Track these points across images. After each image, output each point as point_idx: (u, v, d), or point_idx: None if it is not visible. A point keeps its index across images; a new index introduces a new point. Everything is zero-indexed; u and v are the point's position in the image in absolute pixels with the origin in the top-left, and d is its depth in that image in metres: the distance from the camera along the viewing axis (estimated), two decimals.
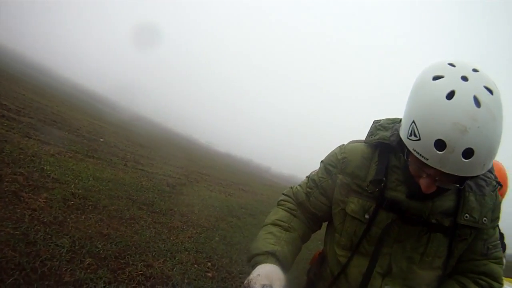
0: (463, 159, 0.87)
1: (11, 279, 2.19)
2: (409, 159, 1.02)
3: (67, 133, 8.57)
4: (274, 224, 1.28)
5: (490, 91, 0.87)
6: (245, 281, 1.05)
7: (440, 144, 0.87)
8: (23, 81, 17.00)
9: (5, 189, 3.49)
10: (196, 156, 23.18)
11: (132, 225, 4.44)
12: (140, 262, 3.36)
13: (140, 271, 3.17)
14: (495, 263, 1.21)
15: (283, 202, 1.38)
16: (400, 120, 1.18)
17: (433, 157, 0.90)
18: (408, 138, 0.95)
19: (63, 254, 2.84)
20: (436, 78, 0.91)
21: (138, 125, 28.71)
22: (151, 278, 3.13)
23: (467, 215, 1.12)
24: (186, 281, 3.32)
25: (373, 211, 1.14)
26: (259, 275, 1.05)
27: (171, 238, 4.55)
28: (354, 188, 1.19)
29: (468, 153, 0.86)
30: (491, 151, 0.89)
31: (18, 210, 3.18)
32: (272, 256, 1.14)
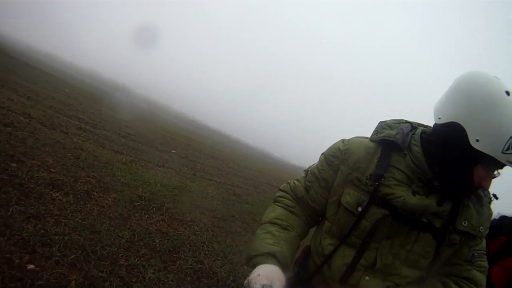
0: None
1: (73, 255, 2.70)
2: (479, 168, 1.11)
3: (140, 144, 9.59)
4: (272, 222, 1.31)
5: None
6: (245, 281, 1.09)
7: None
8: (99, 97, 19.30)
9: (79, 188, 4.18)
10: (268, 169, 23.66)
11: (192, 226, 4.87)
12: (192, 258, 3.73)
13: (190, 265, 3.54)
14: (479, 271, 1.26)
15: (280, 199, 1.40)
16: (406, 121, 1.31)
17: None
18: (503, 152, 1.04)
19: (123, 243, 3.33)
20: (508, 93, 1.04)
21: (209, 137, 30.32)
22: (199, 272, 3.47)
23: (465, 221, 1.19)
24: (231, 278, 3.59)
25: (366, 205, 1.19)
26: (259, 275, 1.09)
27: (227, 241, 4.88)
28: (352, 180, 1.23)
29: None
30: None
31: (88, 206, 3.81)
32: (271, 257, 1.18)
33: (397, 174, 1.19)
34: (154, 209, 4.85)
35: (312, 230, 1.44)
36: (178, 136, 17.32)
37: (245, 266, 4.13)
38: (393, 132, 1.24)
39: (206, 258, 3.92)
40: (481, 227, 1.22)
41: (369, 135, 1.32)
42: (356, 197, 1.21)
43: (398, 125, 1.27)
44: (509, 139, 1.01)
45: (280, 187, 1.45)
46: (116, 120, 12.04)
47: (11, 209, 2.95)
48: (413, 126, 1.28)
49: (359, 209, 1.20)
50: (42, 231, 2.84)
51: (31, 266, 2.29)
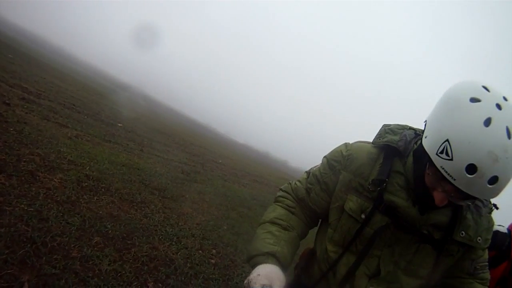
0: (488, 185, 0.92)
1: (22, 251, 2.40)
2: (427, 171, 1.05)
3: (86, 117, 8.90)
4: (272, 222, 1.29)
5: None
6: (245, 281, 1.08)
7: (471, 169, 0.91)
8: (44, 64, 17.65)
9: (22, 168, 3.73)
10: (213, 145, 23.48)
11: (142, 208, 4.64)
12: (146, 244, 3.55)
13: (145, 253, 3.36)
14: (481, 283, 1.25)
15: (281, 199, 1.39)
16: (410, 127, 1.26)
17: (461, 179, 0.94)
18: (437, 154, 0.97)
19: (73, 231, 3.05)
20: (473, 100, 0.94)
21: (158, 113, 29.28)
22: (155, 260, 3.32)
23: (463, 232, 1.16)
24: (188, 265, 3.48)
25: (370, 212, 1.16)
26: (259, 275, 1.07)
27: (180, 223, 4.73)
28: (355, 186, 1.21)
29: (493, 180, 0.92)
30: (510, 180, 0.96)
31: (34, 189, 3.42)
32: (272, 257, 1.16)
33: (399, 180, 1.17)
34: (103, 189, 4.54)
35: (311, 230, 1.42)
36: (125, 109, 16.42)
37: (200, 251, 4.05)
38: (396, 138, 1.20)
39: (161, 243, 3.76)
40: (479, 238, 1.18)
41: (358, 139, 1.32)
42: (359, 203, 1.19)
43: (401, 131, 1.23)
44: (444, 142, 0.95)
45: (281, 187, 1.43)
46: (61, 89, 11.01)
47: None
48: (417, 133, 1.24)
49: (363, 216, 1.18)
50: None
51: None
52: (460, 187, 0.95)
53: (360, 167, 1.21)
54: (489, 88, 0.96)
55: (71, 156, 5.01)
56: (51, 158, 4.49)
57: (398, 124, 1.27)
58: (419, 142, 1.16)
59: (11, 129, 4.73)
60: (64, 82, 13.91)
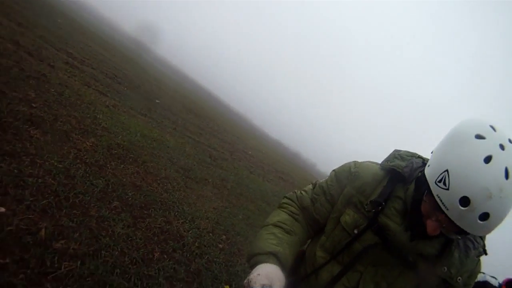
0: (478, 220, 0.96)
1: (45, 201, 2.61)
2: (424, 199, 1.09)
3: (125, 88, 9.29)
4: (276, 225, 1.33)
5: None
6: (245, 281, 1.09)
7: (465, 201, 0.95)
8: (91, 32, 18.41)
9: (58, 127, 4.01)
10: (246, 136, 23.70)
11: (165, 184, 4.83)
12: (161, 217, 3.72)
13: (159, 225, 3.53)
14: None
15: (285, 205, 1.42)
16: (419, 156, 1.29)
17: (454, 210, 0.98)
18: (436, 183, 1.02)
19: (96, 192, 3.26)
20: (478, 137, 0.98)
21: (198, 95, 29.84)
22: (166, 233, 3.47)
23: (445, 268, 1.17)
24: (196, 244, 3.61)
25: (363, 229, 1.21)
26: (259, 274, 1.09)
27: (197, 204, 4.89)
28: (355, 202, 1.26)
29: (484, 216, 0.95)
30: (501, 220, 0.98)
31: (65, 148, 3.67)
32: (273, 257, 1.18)
33: (397, 205, 1.20)
34: (130, 159, 4.77)
35: None
36: (164, 86, 16.91)
37: (211, 234, 4.18)
38: (403, 164, 1.24)
39: (175, 219, 3.92)
40: (459, 278, 1.18)
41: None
42: (355, 219, 1.24)
43: (410, 158, 1.27)
44: (444, 171, 0.99)
45: (286, 195, 1.47)
46: (105, 59, 11.52)
47: None
48: (424, 163, 1.26)
49: (355, 231, 1.22)
50: (16, 171, 2.71)
51: (2, 209, 2.19)
52: (452, 218, 0.99)
53: (364, 185, 1.26)
54: (496, 128, 1.00)
55: (105, 124, 5.29)
56: (87, 123, 4.77)
57: (408, 151, 1.31)
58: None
59: (52, 90, 5.04)
60: (108, 52, 14.49)
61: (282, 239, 1.27)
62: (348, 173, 1.32)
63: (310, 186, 1.44)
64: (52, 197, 2.69)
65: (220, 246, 4.02)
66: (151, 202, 3.92)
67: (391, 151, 1.35)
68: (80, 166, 3.52)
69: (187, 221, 4.07)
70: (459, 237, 1.12)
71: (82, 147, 3.98)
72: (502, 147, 0.95)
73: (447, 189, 0.98)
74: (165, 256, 3.05)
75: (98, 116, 5.34)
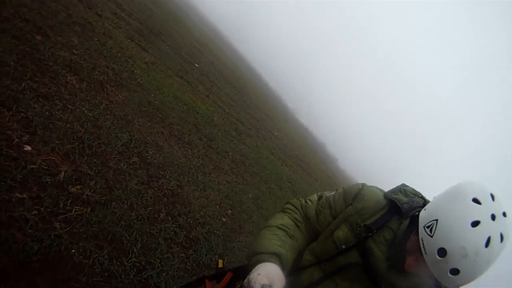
0: (449, 274, 1.04)
1: (69, 146, 2.77)
2: (411, 236, 1.17)
3: (167, 47, 9.41)
4: (279, 228, 1.36)
5: (502, 239, 1.02)
6: (245, 280, 1.10)
7: (442, 252, 1.03)
8: None
9: (95, 77, 4.17)
10: (276, 116, 23.63)
11: (186, 149, 4.99)
12: (175, 181, 3.86)
13: (171, 187, 3.67)
14: None
15: (289, 211, 1.46)
16: (421, 196, 1.35)
17: (431, 256, 1.06)
18: (424, 227, 1.10)
19: (118, 145, 3.42)
20: (475, 200, 1.04)
21: (238, 66, 29.78)
22: (176, 196, 3.62)
23: None
24: (201, 213, 3.75)
25: (350, 246, 1.28)
26: (259, 274, 1.10)
27: (212, 175, 5.02)
28: (351, 221, 1.32)
29: (454, 271, 1.03)
30: (470, 280, 1.05)
31: (98, 98, 3.83)
32: (276, 257, 1.21)
33: (387, 235, 1.27)
34: (158, 119, 4.92)
35: None
36: (207, 51, 16.94)
37: (217, 206, 4.31)
38: (405, 200, 1.29)
39: (187, 185, 4.06)
40: None
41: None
42: (346, 236, 1.30)
43: (413, 196, 1.32)
44: (434, 220, 1.07)
45: (290, 201, 1.51)
46: (153, 14, 11.61)
47: (23, 84, 2.93)
48: (424, 203, 1.30)
49: (343, 246, 1.29)
50: (47, 113, 2.86)
51: (28, 148, 2.35)
52: (427, 262, 1.08)
53: (365, 209, 1.32)
54: (495, 198, 1.05)
55: (141, 80, 5.44)
56: (123, 76, 4.92)
57: (414, 189, 1.37)
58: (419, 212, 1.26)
59: (96, 39, 5.18)
60: (158, 8, 14.48)
61: (286, 242, 1.30)
62: (356, 194, 1.38)
63: (315, 197, 1.48)
64: (76, 143, 2.86)
65: (224, 219, 4.15)
66: (169, 164, 4.07)
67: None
68: (109, 117, 3.68)
69: (198, 189, 4.21)
70: (430, 282, 1.15)
71: (114, 99, 4.14)
72: (493, 217, 1.01)
73: (431, 236, 1.06)
74: (170, 218, 3.20)
75: (135, 71, 5.49)
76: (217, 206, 4.28)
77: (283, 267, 1.20)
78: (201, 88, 9.28)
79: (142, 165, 3.56)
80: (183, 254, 2.89)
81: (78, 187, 2.47)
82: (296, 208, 1.46)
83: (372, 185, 1.44)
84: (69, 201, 2.30)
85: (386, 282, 1.23)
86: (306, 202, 1.47)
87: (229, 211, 4.50)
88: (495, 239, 1.00)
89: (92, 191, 2.57)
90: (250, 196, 5.70)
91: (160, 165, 3.89)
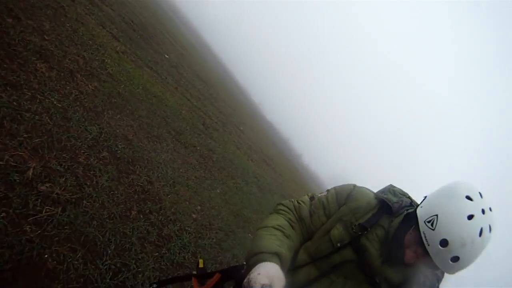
0: (450, 261, 1.15)
1: (38, 140, 2.57)
2: (410, 232, 1.26)
3: (139, 37, 9.03)
4: (276, 228, 1.35)
5: (490, 229, 1.15)
6: (245, 280, 1.09)
7: (444, 242, 1.14)
8: None
9: (65, 65, 3.90)
10: (241, 110, 23.55)
11: (155, 143, 4.83)
12: (145, 176, 3.72)
13: (141, 183, 3.53)
14: None
15: (283, 212, 1.46)
16: (409, 196, 1.45)
17: (433, 247, 1.17)
18: (425, 222, 1.20)
19: (88, 139, 3.23)
20: (468, 198, 1.17)
21: (207, 60, 29.30)
22: (147, 193, 3.49)
23: None
24: (172, 210, 3.65)
25: (345, 244, 1.34)
26: (259, 274, 1.09)
27: (181, 170, 4.91)
28: (345, 220, 1.38)
29: (455, 258, 1.14)
30: (467, 265, 1.18)
31: (68, 88, 3.58)
32: (276, 257, 1.20)
33: (379, 232, 1.34)
34: (128, 111, 4.72)
35: None
36: (177, 43, 16.48)
37: (187, 202, 4.22)
38: (394, 199, 1.38)
39: (157, 181, 3.93)
40: None
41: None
42: (341, 234, 1.36)
43: (401, 196, 1.42)
44: (434, 215, 1.19)
45: (282, 202, 1.51)
46: (126, 1, 11.08)
47: None
48: (411, 204, 1.40)
49: (338, 244, 1.35)
50: (15, 103, 2.65)
51: None
52: (430, 253, 1.18)
53: (358, 208, 1.38)
54: (483, 195, 1.18)
55: (111, 70, 5.18)
56: (93, 65, 4.66)
57: (401, 190, 1.46)
58: (410, 210, 1.36)
59: (68, 24, 4.86)
60: None
61: (284, 242, 1.30)
62: (348, 194, 1.43)
63: (307, 198, 1.50)
64: (45, 137, 2.66)
65: (194, 216, 4.07)
66: (138, 159, 3.92)
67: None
68: (78, 109, 3.47)
69: (168, 185, 4.10)
70: (428, 273, 1.27)
71: (84, 89, 3.91)
72: (483, 211, 1.14)
73: (433, 229, 1.17)
74: (141, 216, 3.08)
75: (106, 60, 5.22)
76: (187, 202, 4.19)
77: (282, 267, 1.19)
78: (170, 80, 9.03)
79: (112, 160, 3.40)
80: (157, 253, 2.80)
81: (47, 185, 2.30)
82: (289, 209, 1.47)
83: (360, 186, 1.49)
84: (39, 200, 2.14)
85: (380, 276, 1.30)
86: (298, 203, 1.48)
87: (199, 207, 4.41)
88: (486, 230, 1.13)
89: (62, 189, 2.40)
90: (218, 191, 5.64)
91: (130, 160, 3.74)
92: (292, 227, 1.41)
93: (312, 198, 1.49)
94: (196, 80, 13.44)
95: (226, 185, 6.34)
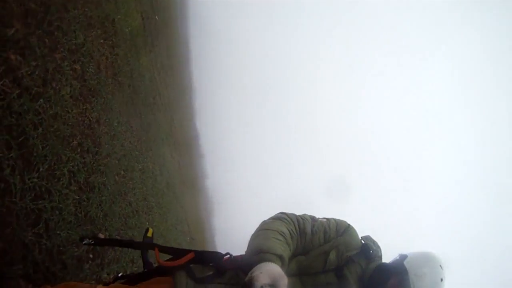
0: None
1: (34, 6, 2.08)
2: (395, 278, 1.46)
3: None
4: (280, 234, 1.37)
5: (442, 280, 1.45)
6: (246, 278, 1.09)
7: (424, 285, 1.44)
8: None
9: None
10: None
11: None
12: (96, 113, 3.22)
13: (91, 118, 3.03)
14: None
15: (286, 222, 1.46)
16: (380, 249, 1.58)
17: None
18: (413, 275, 1.44)
19: (72, 42, 2.73)
20: (440, 267, 1.46)
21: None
22: (91, 130, 2.99)
23: None
24: (105, 161, 3.17)
25: (332, 269, 1.43)
26: (261, 273, 1.09)
27: (122, 127, 4.40)
28: (340, 249, 1.47)
29: None
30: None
31: None
32: (279, 260, 1.23)
33: (358, 269, 1.46)
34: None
35: None
36: None
37: (118, 162, 3.72)
38: (374, 247, 1.52)
39: (104, 124, 3.46)
40: None
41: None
42: (333, 260, 1.43)
43: (377, 248, 1.55)
44: (423, 273, 1.43)
45: (285, 212, 1.51)
46: None
47: None
48: (380, 256, 1.56)
49: (327, 267, 1.42)
50: None
51: None
52: None
53: (350, 243, 1.48)
54: (446, 266, 1.47)
55: None
56: None
57: (377, 243, 1.59)
58: (380, 261, 1.53)
59: None
60: None
61: (286, 249, 1.32)
62: (346, 228, 1.52)
63: (308, 217, 1.52)
64: (42, 8, 2.16)
65: (116, 178, 3.59)
66: (99, 93, 3.45)
67: None
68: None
69: (109, 134, 3.64)
70: None
71: None
72: (444, 277, 1.44)
73: (421, 281, 1.41)
74: (79, 150, 2.57)
75: None
76: (117, 161, 3.70)
77: (283, 269, 1.21)
78: None
79: (79, 78, 2.92)
80: (78, 197, 2.31)
81: (19, 58, 1.80)
82: (292, 221, 1.47)
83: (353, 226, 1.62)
84: (1, 68, 1.65)
85: None
86: (301, 218, 1.50)
87: (122, 172, 3.91)
88: (444, 280, 1.44)
89: (29, 72, 1.90)
90: (140, 167, 5.11)
91: (93, 89, 3.26)
92: (292, 238, 1.41)
93: (314, 219, 1.52)
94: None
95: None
